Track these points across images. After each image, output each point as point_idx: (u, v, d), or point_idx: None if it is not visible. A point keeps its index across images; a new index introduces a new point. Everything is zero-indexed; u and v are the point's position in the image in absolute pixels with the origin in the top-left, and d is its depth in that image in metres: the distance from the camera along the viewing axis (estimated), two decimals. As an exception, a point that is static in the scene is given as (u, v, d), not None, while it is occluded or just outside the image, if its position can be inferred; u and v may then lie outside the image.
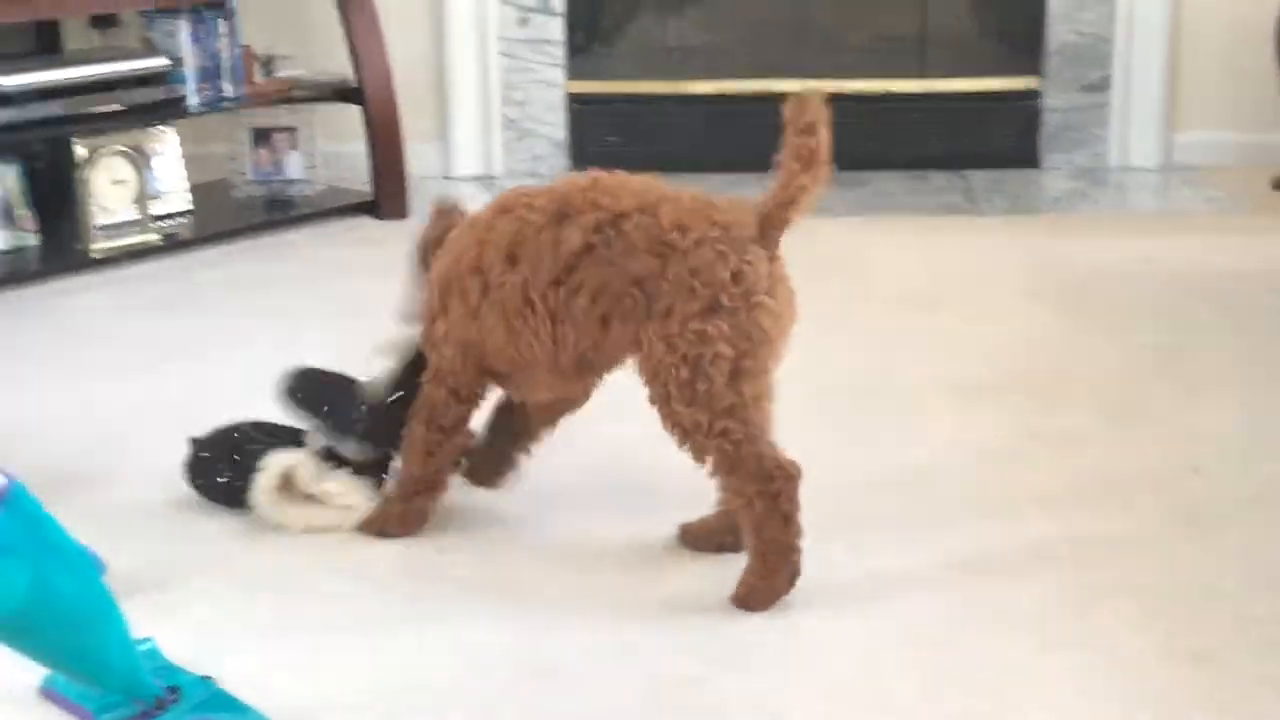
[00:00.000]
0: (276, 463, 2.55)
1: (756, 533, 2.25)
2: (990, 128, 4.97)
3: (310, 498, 2.54)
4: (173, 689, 1.94)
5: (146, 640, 2.03)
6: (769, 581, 2.26)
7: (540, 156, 4.96)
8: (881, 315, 3.61)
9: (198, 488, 2.63)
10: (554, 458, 2.65)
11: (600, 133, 4.97)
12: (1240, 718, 2.00)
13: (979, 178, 4.86)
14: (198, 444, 2.64)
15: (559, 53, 4.91)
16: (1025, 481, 2.71)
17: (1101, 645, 2.16)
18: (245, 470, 2.55)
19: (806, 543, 2.26)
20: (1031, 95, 4.94)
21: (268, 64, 4.52)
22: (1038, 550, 2.45)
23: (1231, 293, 3.72)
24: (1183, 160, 4.92)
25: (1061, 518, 2.56)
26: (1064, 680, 2.08)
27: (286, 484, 2.55)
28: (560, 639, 2.20)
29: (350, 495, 2.56)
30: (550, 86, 4.93)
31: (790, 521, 2.24)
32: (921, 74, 5.01)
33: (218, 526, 2.55)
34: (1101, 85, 4.87)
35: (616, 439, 2.72)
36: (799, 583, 2.26)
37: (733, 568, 2.33)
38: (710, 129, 4.96)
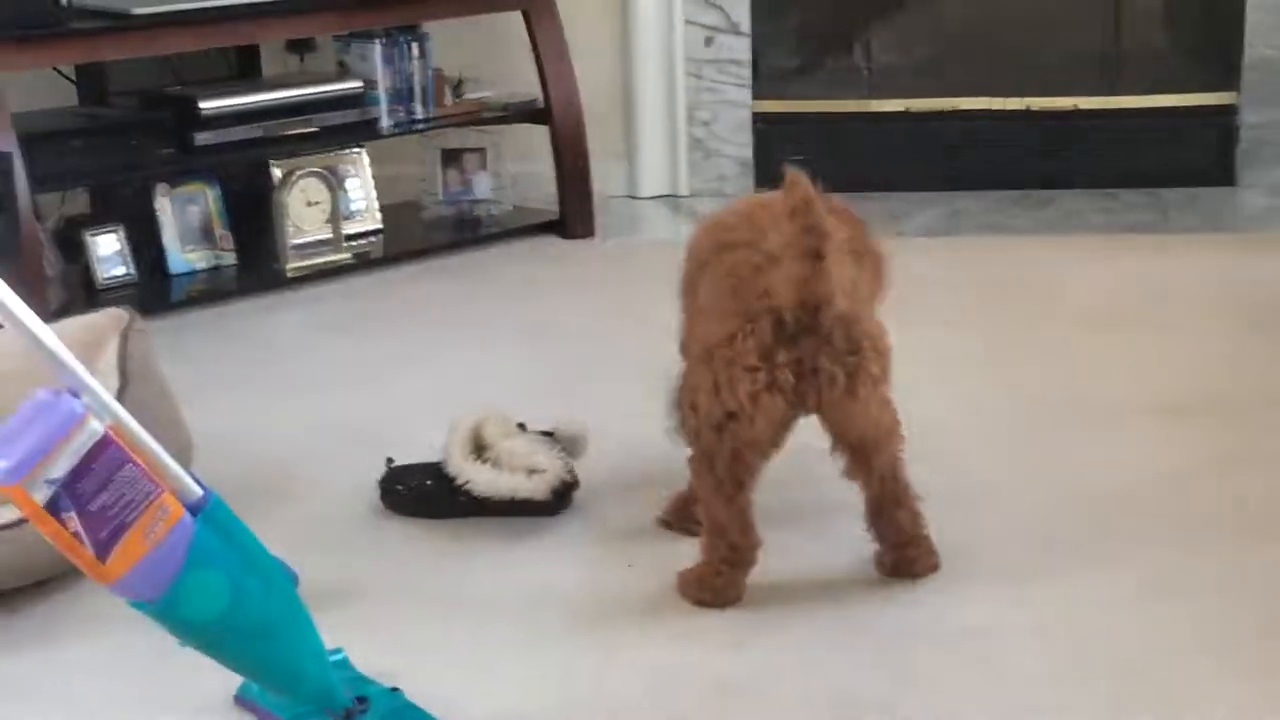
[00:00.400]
0: (466, 420, 2.64)
1: None
2: (1184, 144, 4.86)
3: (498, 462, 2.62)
4: (361, 699, 1.97)
5: (337, 651, 2.07)
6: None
7: (726, 176, 4.97)
8: (1072, 335, 3.55)
9: (390, 500, 2.68)
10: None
11: (786, 152, 4.96)
12: None
13: (1172, 195, 4.76)
14: (393, 463, 2.71)
15: (745, 73, 4.92)
16: (1219, 505, 2.65)
17: (1245, 675, 2.11)
18: (440, 476, 2.62)
19: (1002, 566, 2.23)
20: (1228, 111, 4.83)
21: (457, 86, 4.59)
22: (1231, 575, 2.40)
23: None
24: (1386, 177, 4.77)
25: (1256, 542, 2.50)
26: (1254, 707, 2.03)
27: (478, 445, 2.64)
28: (747, 656, 2.20)
29: (536, 456, 2.60)
30: (736, 106, 4.93)
31: None
32: (1113, 90, 4.92)
33: (407, 542, 2.60)
34: (1301, 101, 4.75)
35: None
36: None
37: (918, 589, 2.30)
38: (897, 147, 4.93)
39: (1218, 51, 4.85)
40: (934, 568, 2.39)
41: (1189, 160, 4.85)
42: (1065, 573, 2.41)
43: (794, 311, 2.18)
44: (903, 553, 2.39)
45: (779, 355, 2.20)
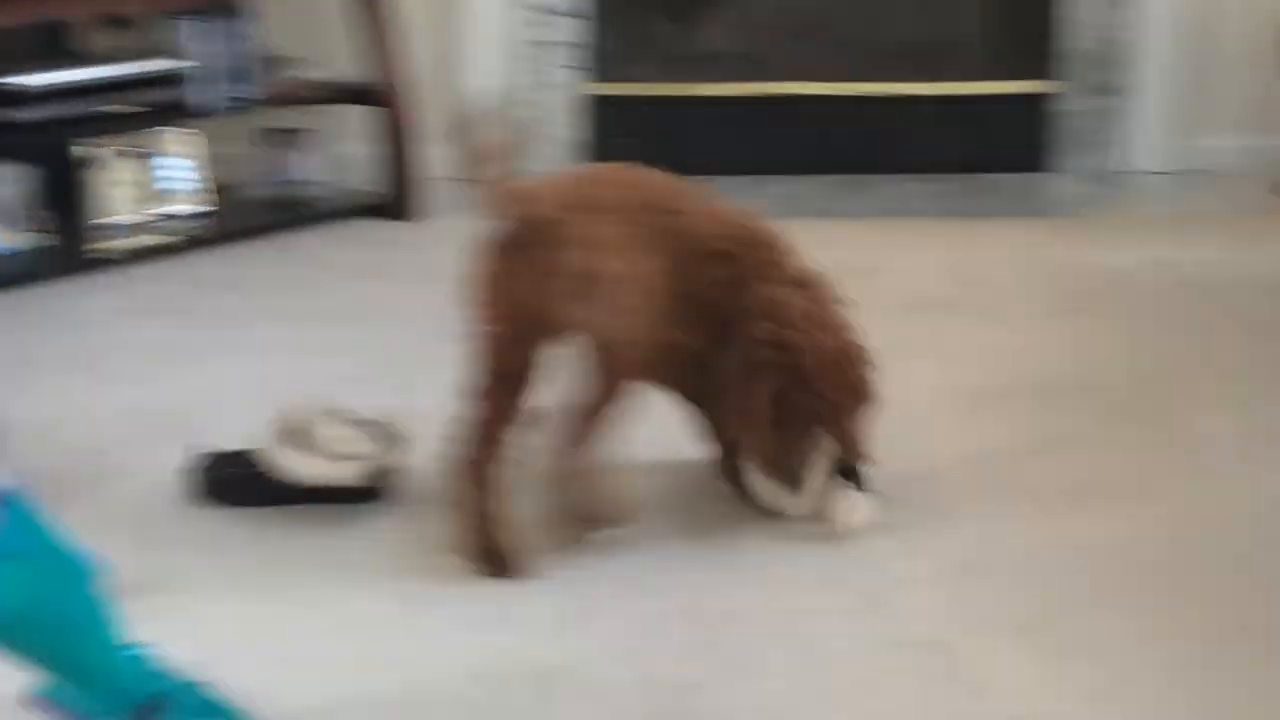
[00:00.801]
0: (287, 406, 2.61)
1: None
2: (1005, 131, 4.95)
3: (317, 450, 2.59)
4: (169, 693, 1.94)
5: (144, 645, 2.04)
6: None
7: (560, 159, 4.96)
8: (892, 318, 3.59)
9: (205, 488, 2.64)
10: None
11: (618, 135, 4.97)
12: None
13: (994, 181, 4.85)
14: (203, 451, 2.67)
15: (576, 55, 4.91)
16: (1030, 485, 2.71)
17: (1098, 650, 2.16)
18: (256, 464, 2.59)
19: (817, 549, 2.26)
20: (1046, 99, 4.92)
21: (282, 66, 4.53)
22: (1038, 553, 2.45)
23: (1243, 297, 3.71)
24: (1198, 164, 4.90)
25: (1063, 521, 2.56)
26: (1058, 685, 2.08)
27: (298, 433, 2.61)
28: (565, 642, 2.21)
29: (356, 443, 2.58)
30: (567, 89, 4.92)
31: None
32: (938, 77, 5.00)
33: (222, 531, 2.56)
34: (1116, 90, 4.86)
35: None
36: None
37: (738, 574, 2.32)
38: (728, 132, 4.95)
39: (1037, 40, 4.95)
40: None
41: (1009, 147, 4.94)
42: (877, 554, 2.45)
43: None
44: None
45: None
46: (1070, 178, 4.88)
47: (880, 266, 3.99)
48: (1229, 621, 2.24)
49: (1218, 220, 4.41)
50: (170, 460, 2.74)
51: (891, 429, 2.96)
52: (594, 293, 2.31)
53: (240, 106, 4.41)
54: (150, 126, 4.27)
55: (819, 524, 2.49)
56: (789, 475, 2.50)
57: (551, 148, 4.94)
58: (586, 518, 2.41)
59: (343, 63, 4.59)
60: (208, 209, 4.41)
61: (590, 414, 2.35)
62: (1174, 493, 2.66)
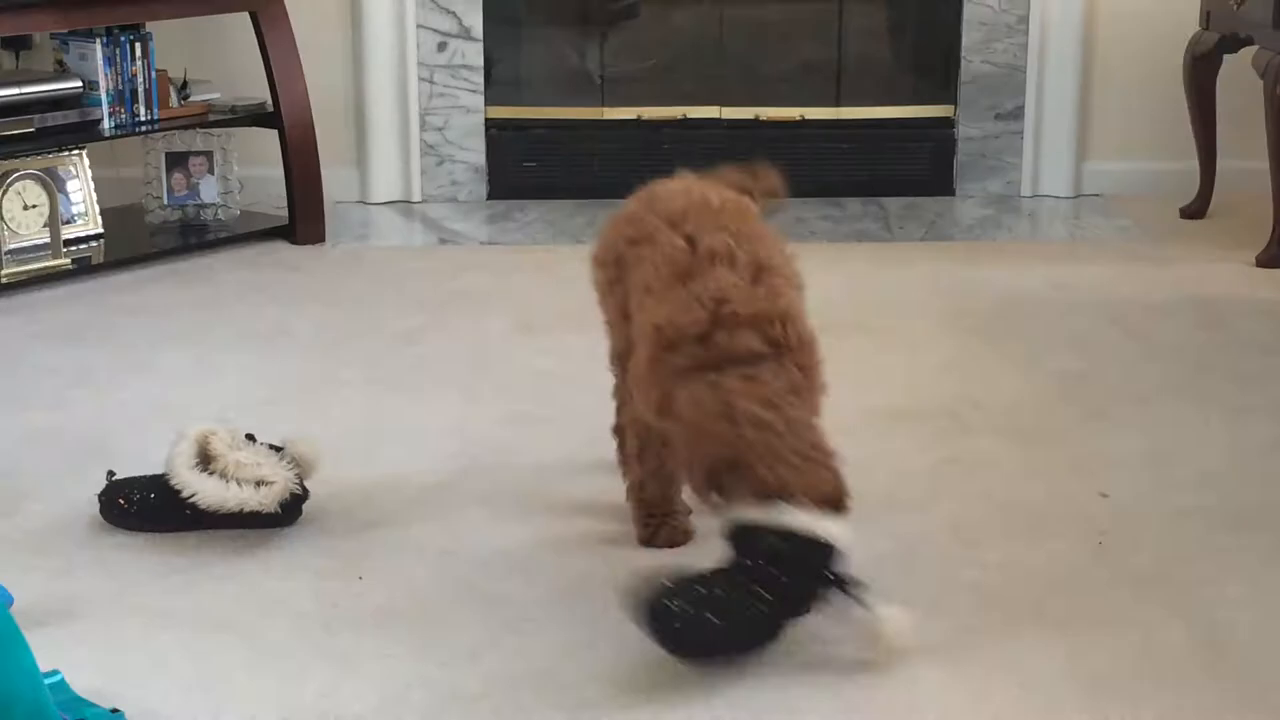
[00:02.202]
0: (192, 430, 2.57)
1: None
2: (905, 155, 5.01)
3: (225, 474, 2.57)
4: (82, 721, 1.92)
5: (54, 673, 2.01)
6: None
7: (459, 182, 4.96)
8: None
9: (112, 513, 2.61)
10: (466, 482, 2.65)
11: (519, 158, 4.98)
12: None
13: (894, 204, 4.90)
14: (114, 476, 2.64)
15: (478, 78, 4.91)
16: (936, 507, 2.73)
17: (1011, 672, 2.18)
18: (164, 489, 2.56)
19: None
20: (946, 124, 4.99)
21: (183, 88, 4.49)
22: (949, 577, 2.47)
23: (1140, 320, 3.77)
24: (1094, 189, 4.98)
25: (973, 543, 2.58)
26: (974, 709, 2.10)
27: (205, 457, 2.58)
28: (481, 667, 2.20)
29: (264, 468, 2.56)
30: (469, 112, 4.92)
31: None
32: (837, 102, 5.05)
33: (130, 557, 2.53)
34: (1015, 114, 4.93)
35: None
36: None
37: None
38: (629, 155, 4.97)
39: (937, 65, 5.02)
40: None
41: (910, 170, 5.00)
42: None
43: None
44: None
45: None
46: (971, 202, 4.94)
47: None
48: (1141, 641, 2.27)
49: (1118, 244, 4.48)
50: (77, 486, 2.71)
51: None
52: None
53: (144, 128, 4.37)
54: (52, 148, 4.22)
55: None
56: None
57: (457, 173, 4.94)
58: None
59: (246, 85, 4.56)
60: (109, 232, 4.36)
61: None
62: (1083, 513, 2.70)
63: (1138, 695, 2.12)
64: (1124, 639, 2.27)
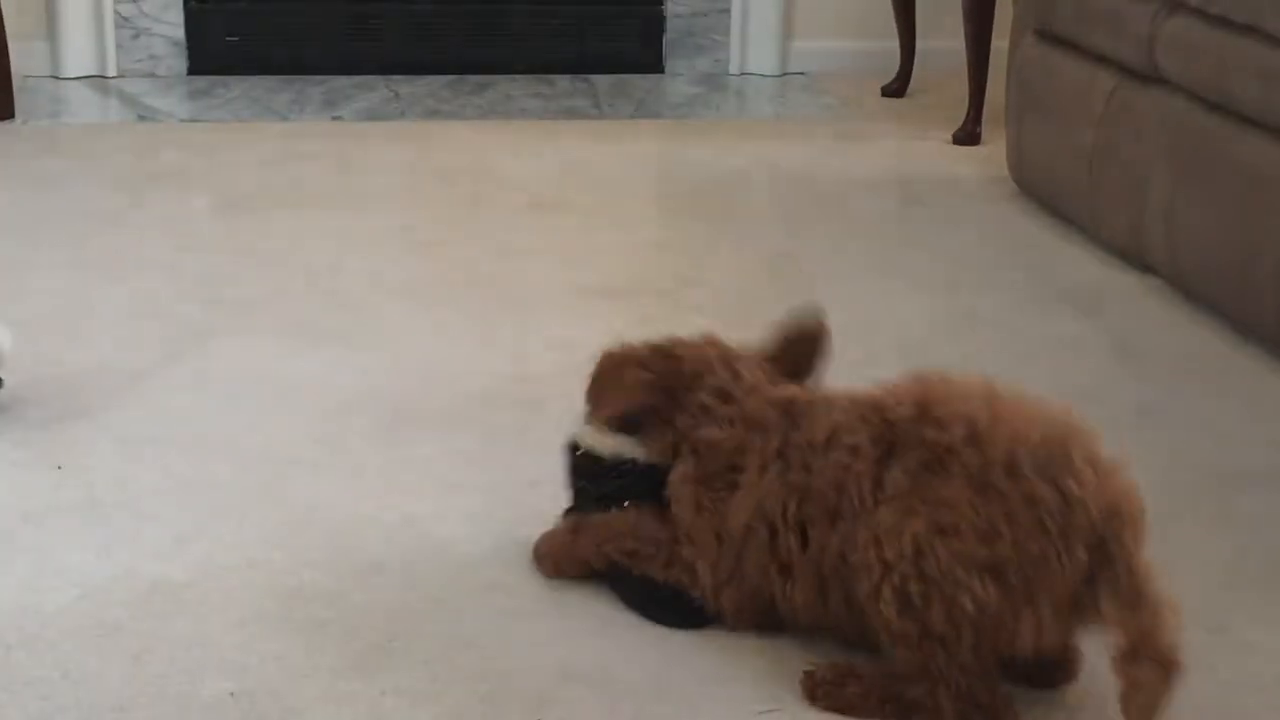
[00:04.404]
0: None
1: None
2: (615, 33, 5.00)
3: None
4: None
5: None
6: None
7: (157, 56, 4.78)
8: (508, 218, 3.61)
9: None
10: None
11: (221, 32, 4.82)
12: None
13: (604, 82, 4.89)
14: None
15: (177, -50, 4.73)
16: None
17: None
18: None
19: (444, 441, 2.24)
20: (655, 1, 4.99)
21: None
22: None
23: (845, 196, 3.85)
24: (800, 67, 5.05)
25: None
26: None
27: None
28: (185, 557, 2.15)
29: None
30: (170, -13, 4.75)
31: None
32: (546, -23, 5.01)
33: None
34: (724, -8, 4.96)
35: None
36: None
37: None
38: (334, 30, 4.85)
39: (646, -58, 5.01)
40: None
41: (619, 48, 4.99)
42: (490, 453, 2.46)
43: None
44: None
45: None
46: (680, 79, 4.96)
47: (494, 168, 3.99)
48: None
49: (822, 122, 4.55)
50: None
51: (503, 324, 2.98)
52: None
53: None
54: None
55: None
56: None
57: (155, 46, 4.76)
58: None
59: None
60: None
61: None
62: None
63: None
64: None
